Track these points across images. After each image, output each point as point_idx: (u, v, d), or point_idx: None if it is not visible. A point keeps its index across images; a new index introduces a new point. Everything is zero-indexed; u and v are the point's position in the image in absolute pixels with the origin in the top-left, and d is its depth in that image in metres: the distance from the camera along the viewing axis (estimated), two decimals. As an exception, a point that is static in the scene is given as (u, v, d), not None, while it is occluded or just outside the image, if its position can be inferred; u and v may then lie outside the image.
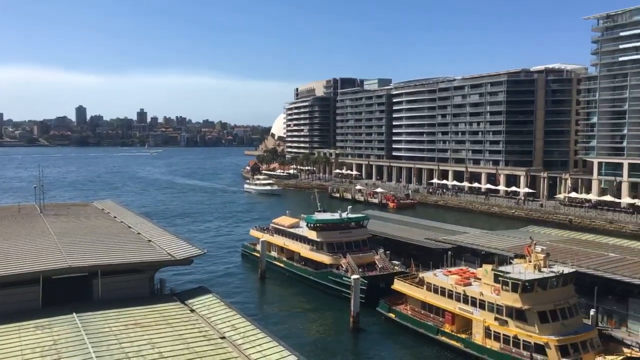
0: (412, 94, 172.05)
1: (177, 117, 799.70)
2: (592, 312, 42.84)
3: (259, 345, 26.41)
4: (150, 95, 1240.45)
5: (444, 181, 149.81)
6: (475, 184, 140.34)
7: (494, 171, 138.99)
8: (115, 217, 57.14)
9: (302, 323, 52.00)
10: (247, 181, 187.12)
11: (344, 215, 66.44)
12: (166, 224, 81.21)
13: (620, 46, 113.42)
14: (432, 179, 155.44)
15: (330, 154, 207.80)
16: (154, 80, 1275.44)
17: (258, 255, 70.87)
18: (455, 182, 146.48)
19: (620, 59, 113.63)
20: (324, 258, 62.52)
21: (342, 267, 59.94)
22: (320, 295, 59.90)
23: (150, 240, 43.51)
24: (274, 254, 72.02)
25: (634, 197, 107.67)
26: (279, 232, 73.29)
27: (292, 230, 70.42)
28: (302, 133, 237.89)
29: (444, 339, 44.86)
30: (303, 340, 46.65)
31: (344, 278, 56.92)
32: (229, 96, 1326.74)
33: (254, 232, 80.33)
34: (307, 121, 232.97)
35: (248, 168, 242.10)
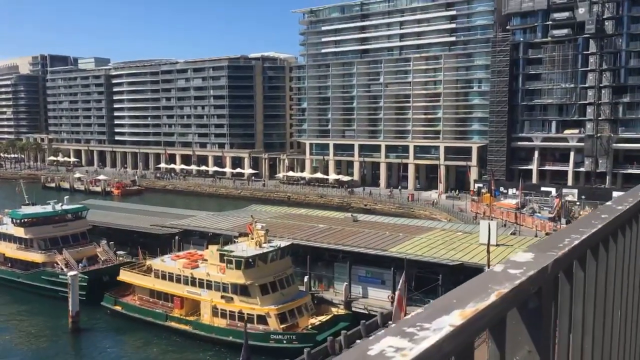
0: (134, 75, 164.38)
1: None
2: (305, 278, 47.84)
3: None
4: None
5: (172, 165, 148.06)
6: (203, 167, 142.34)
7: (220, 154, 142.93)
8: None
9: (10, 335, 45.44)
10: None
11: (58, 207, 60.12)
12: None
13: (323, 39, 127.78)
14: (160, 163, 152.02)
15: (42, 140, 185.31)
16: None
17: (-53, 262, 59.14)
18: (183, 166, 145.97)
19: (323, 50, 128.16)
20: (35, 257, 55.71)
21: (58, 264, 54.44)
22: (34, 299, 53.13)
23: None
24: (-31, 258, 61.17)
25: (338, 174, 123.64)
26: (-26, 232, 62.38)
27: (-9, 229, 60.76)
28: (5, 116, 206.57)
29: (173, 324, 44.55)
30: (11, 355, 40.88)
31: (60, 276, 51.69)
32: None
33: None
34: (11, 102, 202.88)
35: None
